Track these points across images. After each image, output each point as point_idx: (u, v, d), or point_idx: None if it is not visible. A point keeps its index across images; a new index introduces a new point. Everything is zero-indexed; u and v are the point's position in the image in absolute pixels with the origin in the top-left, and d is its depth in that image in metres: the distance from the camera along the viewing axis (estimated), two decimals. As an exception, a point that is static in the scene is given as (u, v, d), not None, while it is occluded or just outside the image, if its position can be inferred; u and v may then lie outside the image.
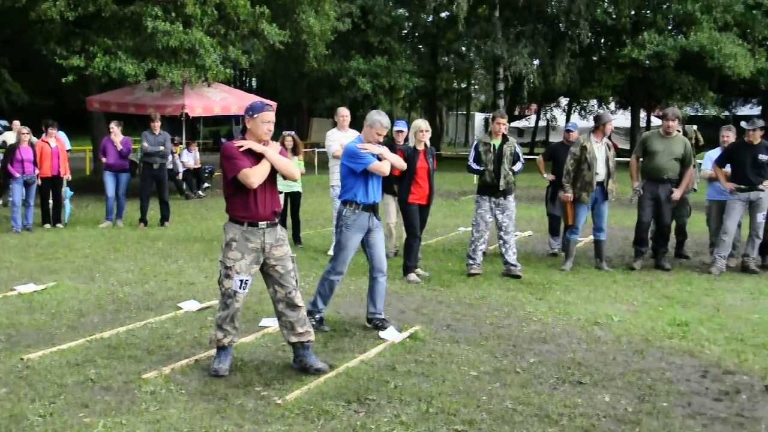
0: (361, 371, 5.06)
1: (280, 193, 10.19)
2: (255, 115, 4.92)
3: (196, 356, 5.31)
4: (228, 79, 19.39)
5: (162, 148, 12.38)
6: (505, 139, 8.43)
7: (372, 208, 6.06)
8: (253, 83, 43.56)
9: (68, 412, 4.28)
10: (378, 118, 6.05)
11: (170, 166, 14.63)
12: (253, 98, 22.07)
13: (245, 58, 18.25)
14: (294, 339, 5.05)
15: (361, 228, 6.02)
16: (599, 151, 8.60)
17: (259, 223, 4.93)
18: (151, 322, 6.24)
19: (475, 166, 8.42)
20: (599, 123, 8.77)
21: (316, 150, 24.00)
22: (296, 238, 10.26)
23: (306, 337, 5.06)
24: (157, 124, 12.56)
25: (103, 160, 12.48)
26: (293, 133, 10.50)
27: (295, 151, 10.13)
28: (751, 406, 4.54)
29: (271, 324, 6.10)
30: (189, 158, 17.95)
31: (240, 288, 4.91)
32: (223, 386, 4.75)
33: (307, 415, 4.29)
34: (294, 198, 10.25)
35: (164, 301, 7.03)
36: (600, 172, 8.56)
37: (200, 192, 17.94)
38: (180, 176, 17.21)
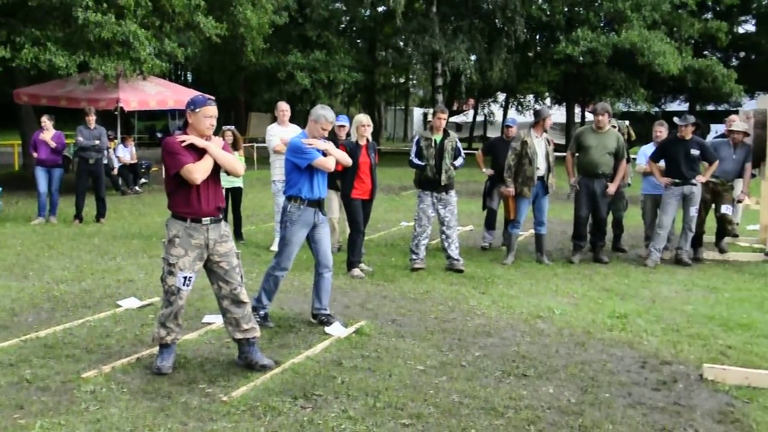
0: (308, 367, 5.04)
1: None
2: (197, 110, 4.83)
3: (137, 354, 5.20)
4: (164, 73, 19.00)
5: (98, 142, 12.06)
6: (446, 134, 8.49)
7: (317, 204, 6.03)
8: (189, 77, 42.77)
9: (1, 414, 4.14)
10: (323, 112, 6.02)
11: (106, 162, 14.29)
12: (191, 92, 21.73)
13: (181, 51, 17.88)
14: (239, 335, 5.00)
15: (306, 223, 5.99)
16: (539, 146, 8.74)
17: (203, 219, 4.86)
18: (90, 321, 6.07)
19: (416, 161, 8.45)
20: (539, 118, 8.91)
21: (255, 145, 23.75)
22: (238, 234, 10.13)
23: (251, 334, 5.01)
24: (93, 118, 12.23)
25: (35, 155, 12.09)
26: (233, 127, 10.35)
27: (235, 146, 9.97)
28: (687, 394, 4.68)
29: (215, 320, 6.02)
30: (125, 153, 17.53)
31: (184, 285, 4.83)
32: (166, 384, 4.66)
33: (254, 411, 4.25)
34: (235, 194, 10.12)
35: (102, 299, 6.85)
36: (540, 166, 8.69)
37: (137, 187, 17.55)
38: (115, 171, 16.82)
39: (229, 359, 5.17)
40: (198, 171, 4.76)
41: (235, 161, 5.08)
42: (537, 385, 4.80)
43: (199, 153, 4.83)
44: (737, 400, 4.59)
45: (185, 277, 4.82)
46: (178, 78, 40.18)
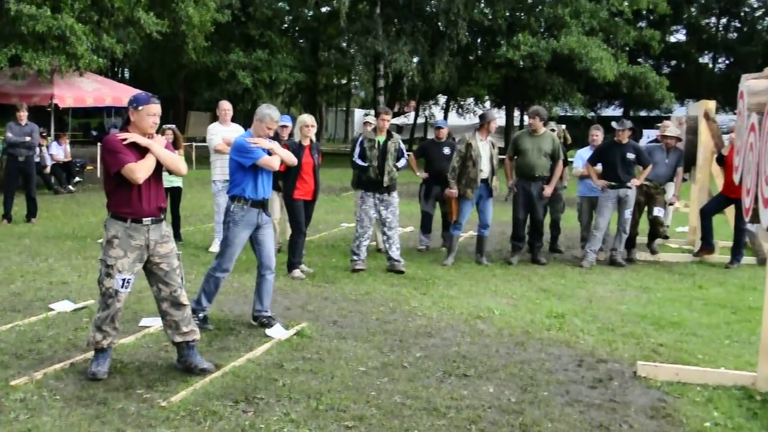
0: (249, 370, 4.98)
1: (160, 188, 9.89)
2: (140, 108, 4.72)
3: (71, 359, 5.05)
4: (101, 69, 18.57)
5: (28, 139, 11.69)
6: (389, 135, 8.51)
7: (261, 204, 5.96)
8: (127, 74, 41.88)
9: (-75, 427, 3.98)
10: (268, 112, 5.97)
11: (38, 159, 13.88)
12: (129, 90, 21.31)
13: (120, 47, 17.50)
14: (179, 338, 4.91)
15: (249, 224, 5.92)
16: (484, 148, 8.83)
17: (144, 219, 4.74)
18: (19, 325, 5.86)
19: (360, 162, 8.45)
20: (484, 121, 9.00)
21: (194, 144, 23.40)
22: (176, 235, 9.94)
23: (191, 336, 4.93)
24: (24, 114, 11.85)
25: (-39, 152, 11.67)
26: (174, 126, 10.20)
27: (175, 145, 9.82)
28: (623, 392, 4.79)
29: (152, 324, 5.90)
30: (59, 151, 17.04)
31: (122, 287, 4.71)
32: (102, 390, 4.54)
33: (194, 416, 4.18)
34: (174, 193, 9.94)
35: (33, 302, 6.63)
36: (484, 169, 8.79)
37: (70, 186, 17.07)
38: (48, 170, 16.34)
39: (168, 363, 5.07)
40: (140, 170, 4.66)
41: (179, 160, 5.00)
42: (478, 384, 4.84)
43: (141, 152, 4.72)
44: (669, 395, 4.72)
45: (124, 279, 4.69)
46: (115, 75, 39.28)
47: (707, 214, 9.26)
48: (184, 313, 4.91)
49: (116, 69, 40.69)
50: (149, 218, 4.76)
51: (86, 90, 18.21)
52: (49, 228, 11.21)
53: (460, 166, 8.78)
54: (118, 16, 17.66)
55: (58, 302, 6.56)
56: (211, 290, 5.96)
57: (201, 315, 5.89)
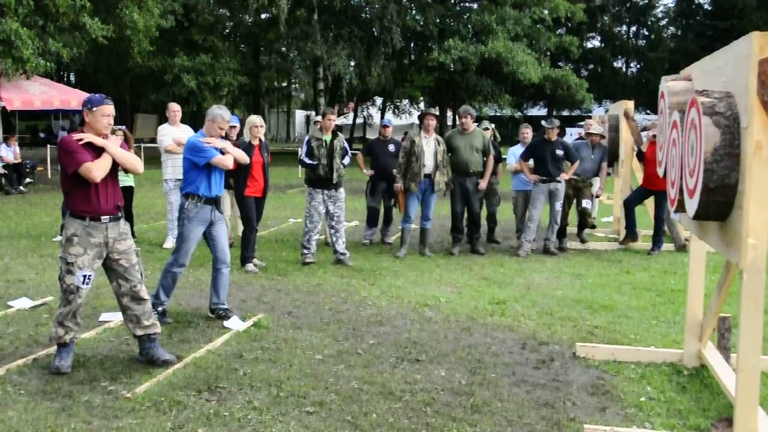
0: (209, 360, 4.87)
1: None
2: (94, 108, 4.59)
3: (33, 355, 4.85)
4: (49, 73, 17.93)
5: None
6: (335, 134, 8.44)
7: (214, 201, 5.85)
8: (72, 77, 40.56)
9: None
10: (219, 112, 5.86)
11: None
12: (77, 92, 20.67)
13: (67, 51, 16.92)
14: (140, 332, 4.76)
15: (203, 221, 5.79)
16: (428, 145, 8.84)
17: (102, 217, 4.60)
18: (-22, 323, 5.62)
19: (308, 161, 8.36)
20: (421, 120, 9.01)
21: (143, 145, 22.84)
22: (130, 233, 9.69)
23: (152, 330, 4.79)
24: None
25: None
26: (124, 127, 9.89)
27: (126, 145, 9.55)
28: (564, 371, 4.85)
29: (112, 318, 5.71)
30: (8, 153, 16.37)
31: (83, 284, 4.57)
32: (66, 384, 4.37)
33: (158, 407, 4.05)
34: (126, 192, 9.56)
35: (-9, 301, 6.36)
36: (428, 164, 8.80)
37: (21, 187, 16.43)
38: (1, 170, 15.71)
39: (130, 356, 4.91)
40: (97, 169, 4.50)
41: (135, 159, 4.84)
42: (429, 369, 4.84)
43: (97, 151, 4.57)
44: (606, 373, 4.80)
45: (84, 276, 4.55)
46: (61, 78, 38.02)
47: (629, 205, 9.49)
48: (144, 308, 4.77)
49: (62, 73, 39.39)
50: (107, 216, 4.63)
51: (34, 93, 17.56)
52: (2, 228, 10.76)
53: (405, 162, 8.78)
54: (63, 21, 17.07)
55: (17, 299, 6.30)
56: (168, 285, 5.81)
57: (160, 309, 5.73)
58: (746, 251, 3.30)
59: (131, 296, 4.73)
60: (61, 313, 4.62)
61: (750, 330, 3.39)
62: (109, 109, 4.63)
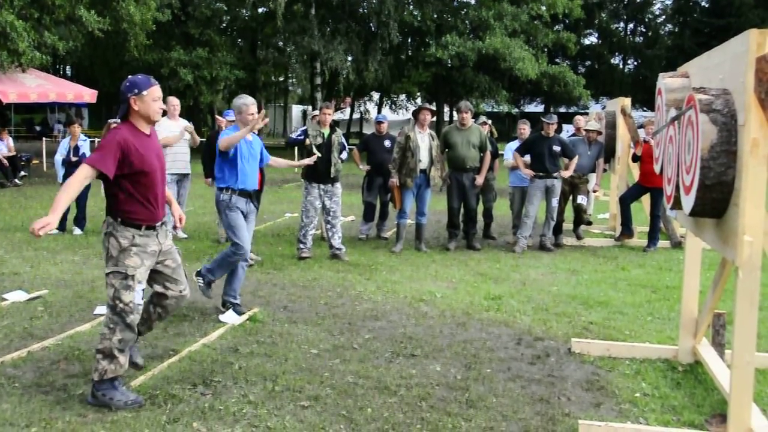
0: (205, 354, 4.86)
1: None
2: (144, 92, 3.94)
3: (27, 348, 4.83)
4: (45, 66, 17.86)
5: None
6: (332, 129, 8.43)
7: (248, 194, 5.96)
8: (68, 71, 40.43)
9: None
10: (240, 102, 5.96)
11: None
12: (73, 86, 20.61)
13: (63, 44, 16.85)
14: (146, 331, 4.42)
15: (241, 209, 5.91)
16: (423, 140, 8.83)
17: (157, 225, 4.10)
18: (-27, 316, 5.60)
19: (293, 137, 8.61)
20: (416, 115, 8.99)
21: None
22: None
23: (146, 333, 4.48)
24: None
25: None
26: (119, 120, 9.86)
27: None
28: (559, 367, 4.86)
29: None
30: (2, 146, 16.32)
31: (141, 300, 4.02)
32: (61, 377, 4.36)
33: (154, 400, 4.05)
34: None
35: (-15, 294, 6.34)
36: (423, 159, 8.79)
37: (17, 180, 16.39)
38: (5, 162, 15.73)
39: (125, 349, 4.89)
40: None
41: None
42: (425, 363, 4.84)
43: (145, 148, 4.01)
44: (601, 369, 4.81)
45: (143, 290, 4.00)
46: (57, 71, 37.92)
47: (625, 201, 9.50)
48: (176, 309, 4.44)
49: (57, 66, 39.28)
50: (161, 222, 4.14)
51: (29, 86, 17.49)
52: (-4, 220, 10.74)
53: (400, 157, 8.77)
54: (59, 14, 17.00)
55: (11, 292, 6.30)
56: (224, 269, 5.90)
57: (207, 281, 5.89)
58: (742, 248, 3.31)
59: (178, 299, 4.28)
60: (121, 341, 3.96)
61: (745, 327, 3.40)
62: (158, 90, 4.04)
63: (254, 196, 6.06)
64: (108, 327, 3.97)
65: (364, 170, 9.97)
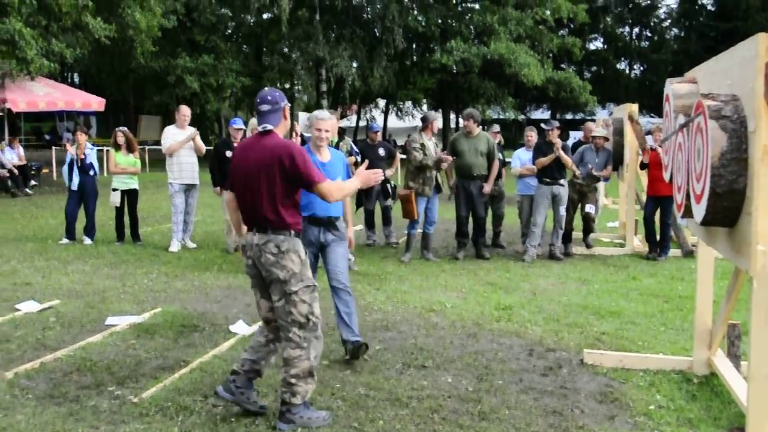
0: (215, 365, 4.86)
1: (116, 190, 9.60)
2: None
3: (41, 359, 4.85)
4: (53, 73, 17.96)
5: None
6: (340, 137, 8.45)
7: (320, 222, 5.13)
8: (76, 78, 40.61)
9: None
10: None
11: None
12: (81, 94, 20.69)
13: (70, 51, 16.94)
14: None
15: (309, 243, 5.08)
16: (432, 147, 8.84)
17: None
18: (-15, 327, 5.62)
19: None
20: (427, 122, 8.99)
21: (147, 147, 22.86)
22: (135, 235, 9.70)
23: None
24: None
25: None
26: (125, 129, 9.91)
27: (130, 147, 9.59)
28: (571, 378, 4.83)
29: (118, 322, 5.71)
30: (12, 155, 16.39)
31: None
32: (74, 388, 4.37)
33: (165, 412, 4.05)
34: (131, 195, 9.66)
35: (-1, 303, 6.36)
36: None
37: (27, 189, 16.43)
38: (9, 173, 15.75)
39: (136, 361, 4.91)
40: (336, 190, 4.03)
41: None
42: (436, 375, 4.82)
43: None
44: (614, 381, 4.78)
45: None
46: (65, 79, 38.11)
47: (649, 218, 9.36)
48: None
49: (65, 74, 39.48)
50: None
51: (38, 94, 17.60)
52: (9, 230, 10.78)
53: (417, 167, 8.73)
54: (66, 21, 17.10)
55: (24, 302, 6.32)
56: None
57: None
58: (756, 258, 3.25)
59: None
60: (317, 356, 3.95)
61: (761, 338, 3.36)
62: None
63: (331, 224, 5.18)
64: (300, 347, 3.89)
65: None
